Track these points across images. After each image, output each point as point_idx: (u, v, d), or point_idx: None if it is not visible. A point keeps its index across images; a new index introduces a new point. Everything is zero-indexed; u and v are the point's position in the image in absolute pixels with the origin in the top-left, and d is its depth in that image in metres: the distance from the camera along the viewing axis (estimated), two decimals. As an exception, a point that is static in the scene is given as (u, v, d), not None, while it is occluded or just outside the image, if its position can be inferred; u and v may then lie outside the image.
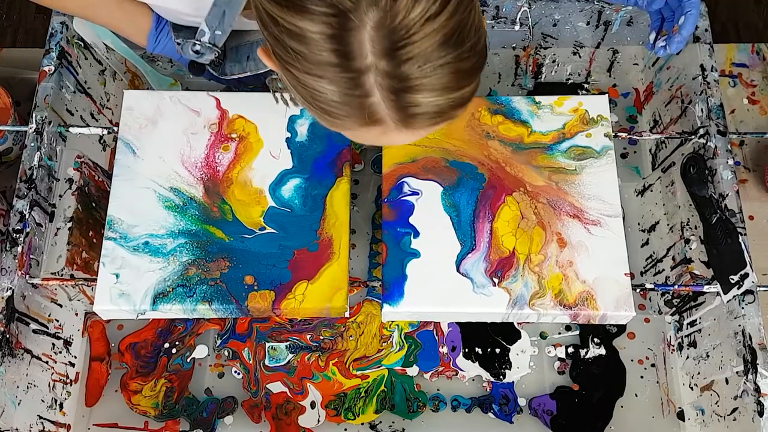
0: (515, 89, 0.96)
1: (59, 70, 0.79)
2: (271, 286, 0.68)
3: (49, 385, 0.75)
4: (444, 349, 0.83)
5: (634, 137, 0.82)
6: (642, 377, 0.82)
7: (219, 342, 0.82)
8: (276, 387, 0.81)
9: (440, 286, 0.69)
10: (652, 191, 0.88)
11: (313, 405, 0.80)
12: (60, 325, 0.77)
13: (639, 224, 0.89)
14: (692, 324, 0.79)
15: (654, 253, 0.86)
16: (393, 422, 0.80)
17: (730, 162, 0.76)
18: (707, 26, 0.82)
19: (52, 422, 0.74)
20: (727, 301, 0.72)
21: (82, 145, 0.82)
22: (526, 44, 0.91)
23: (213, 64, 0.69)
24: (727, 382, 0.72)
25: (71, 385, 0.79)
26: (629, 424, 0.80)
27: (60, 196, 0.77)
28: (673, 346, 0.82)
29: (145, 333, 0.83)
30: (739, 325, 0.70)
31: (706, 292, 0.75)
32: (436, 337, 0.83)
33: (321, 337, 0.83)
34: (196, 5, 0.63)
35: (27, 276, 0.71)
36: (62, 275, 0.75)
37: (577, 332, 0.84)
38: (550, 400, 0.81)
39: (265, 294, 0.68)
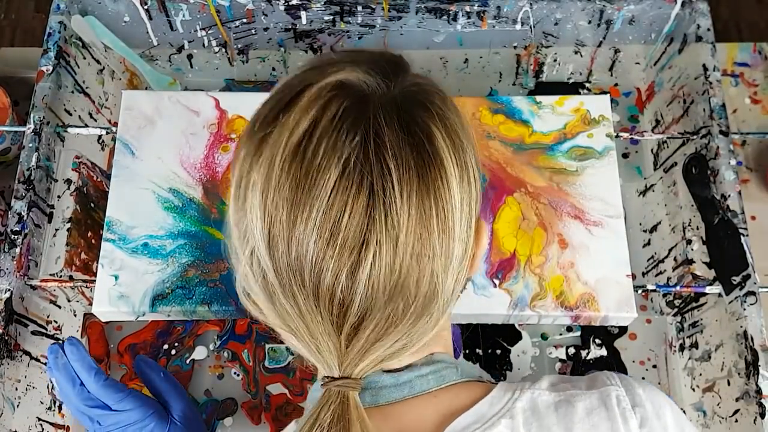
0: (516, 88, 0.95)
1: (57, 69, 0.78)
2: (270, 288, 0.68)
3: (48, 387, 0.74)
4: (444, 350, 0.82)
5: (636, 137, 0.82)
6: (644, 378, 0.82)
7: (218, 343, 0.82)
8: (276, 388, 0.80)
9: (441, 287, 0.68)
10: (653, 191, 0.88)
11: (313, 406, 0.80)
12: (59, 327, 0.76)
13: (641, 224, 0.88)
14: (694, 325, 0.79)
15: (656, 253, 0.86)
16: (393, 423, 0.80)
17: (733, 162, 0.75)
18: (709, 25, 0.82)
19: (51, 424, 0.74)
20: (729, 302, 0.72)
21: (81, 146, 0.81)
22: (527, 43, 0.90)
23: None
24: (728, 383, 0.71)
25: (70, 386, 0.78)
26: (630, 425, 0.80)
27: (58, 196, 0.77)
28: (675, 347, 0.82)
29: (144, 334, 0.82)
30: (741, 327, 0.69)
31: (707, 293, 0.74)
32: (437, 338, 0.83)
33: (321, 338, 0.82)
34: None
35: (25, 277, 0.71)
36: (61, 276, 0.75)
37: (579, 333, 0.83)
38: (551, 401, 0.80)
39: (265, 296, 0.67)
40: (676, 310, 0.82)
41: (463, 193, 0.42)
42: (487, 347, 0.82)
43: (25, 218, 0.71)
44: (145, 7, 0.85)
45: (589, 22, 0.87)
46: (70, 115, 0.81)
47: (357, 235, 0.38)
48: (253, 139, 0.42)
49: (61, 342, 0.61)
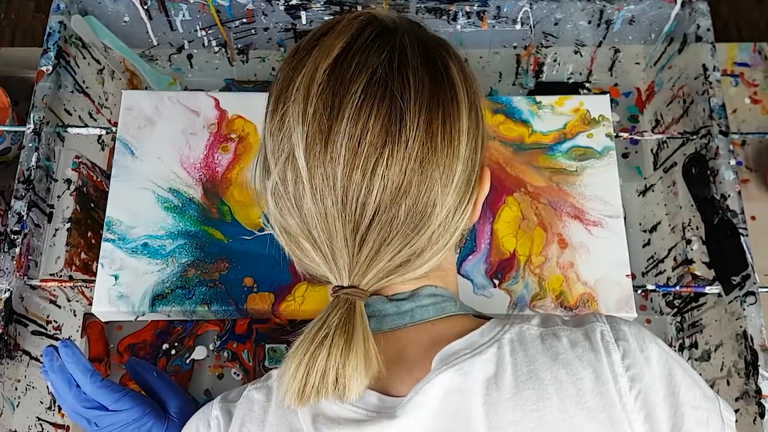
0: (516, 88, 0.95)
1: (57, 69, 0.79)
2: (270, 288, 0.68)
3: (47, 387, 0.74)
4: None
5: (636, 137, 0.82)
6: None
7: (218, 343, 0.82)
8: (276, 388, 0.80)
9: (440, 287, 0.68)
10: (653, 191, 0.88)
11: (312, 406, 0.80)
12: (58, 326, 0.77)
13: (640, 224, 0.88)
14: (693, 325, 0.79)
15: (655, 253, 0.86)
16: (393, 423, 0.80)
17: (732, 162, 0.75)
18: (709, 25, 0.82)
19: (51, 424, 0.74)
20: (729, 302, 0.72)
21: (81, 145, 0.81)
22: (527, 43, 0.90)
23: None
24: (728, 383, 0.71)
25: (70, 386, 0.78)
26: (630, 425, 0.80)
27: (58, 196, 0.77)
28: (675, 347, 0.82)
29: (144, 334, 0.82)
30: (741, 327, 0.69)
31: (707, 293, 0.74)
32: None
33: (321, 338, 0.82)
34: None
35: (25, 277, 0.71)
36: (61, 276, 0.75)
37: (578, 333, 0.83)
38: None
39: (265, 296, 0.67)
40: (675, 310, 0.82)
41: (470, 121, 0.47)
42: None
43: (24, 218, 0.71)
44: (145, 7, 0.85)
45: (589, 22, 0.87)
46: (70, 115, 0.81)
47: (379, 136, 0.44)
48: (295, 59, 0.48)
49: (55, 345, 0.61)
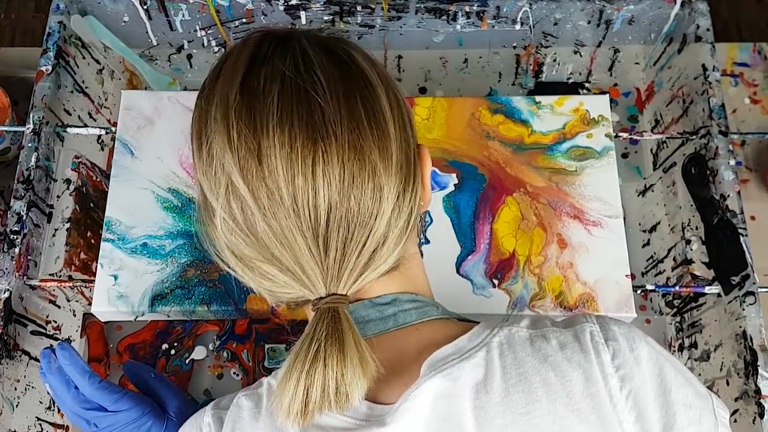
0: (516, 88, 0.95)
1: (57, 69, 0.79)
2: (270, 288, 0.68)
3: (46, 388, 0.74)
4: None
5: (635, 137, 0.82)
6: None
7: (218, 343, 0.82)
8: (275, 388, 0.80)
9: (440, 287, 0.68)
10: (653, 191, 0.88)
11: (312, 406, 0.80)
12: (58, 326, 0.77)
13: (640, 224, 0.88)
14: (693, 325, 0.79)
15: (655, 253, 0.86)
16: (392, 423, 0.79)
17: (732, 162, 0.75)
18: (709, 25, 0.82)
19: (50, 424, 0.74)
20: (728, 303, 0.72)
21: (80, 145, 0.81)
22: (527, 43, 0.90)
23: None
24: (727, 383, 0.71)
25: (70, 386, 0.78)
26: (630, 425, 0.80)
27: (58, 196, 0.77)
28: (674, 347, 0.82)
29: (143, 334, 0.82)
30: (740, 327, 0.69)
31: (706, 293, 0.74)
32: (436, 338, 0.83)
33: (320, 338, 0.82)
34: None
35: (25, 277, 0.71)
36: (60, 276, 0.75)
37: (578, 333, 0.83)
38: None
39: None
40: (675, 310, 0.82)
41: (390, 100, 0.47)
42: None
43: (24, 218, 0.71)
44: (145, 7, 0.85)
45: (589, 22, 0.87)
46: (70, 115, 0.81)
47: (308, 137, 0.43)
48: (203, 94, 0.48)
49: (51, 346, 0.61)
